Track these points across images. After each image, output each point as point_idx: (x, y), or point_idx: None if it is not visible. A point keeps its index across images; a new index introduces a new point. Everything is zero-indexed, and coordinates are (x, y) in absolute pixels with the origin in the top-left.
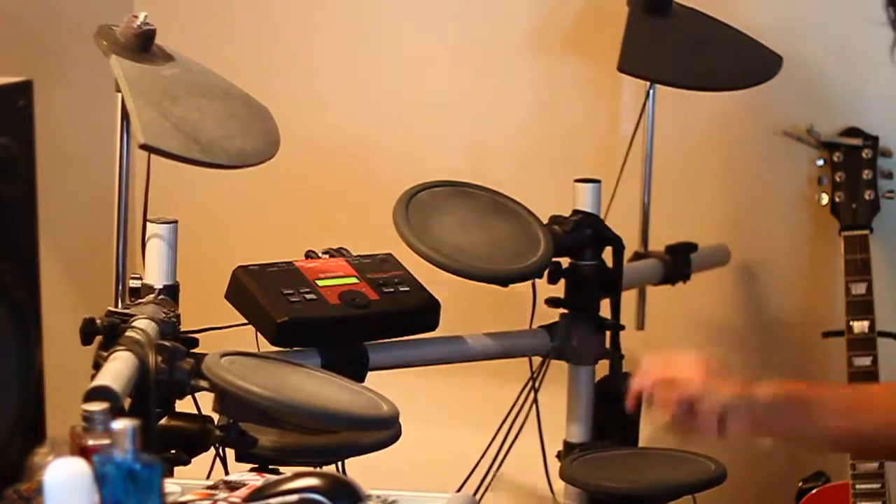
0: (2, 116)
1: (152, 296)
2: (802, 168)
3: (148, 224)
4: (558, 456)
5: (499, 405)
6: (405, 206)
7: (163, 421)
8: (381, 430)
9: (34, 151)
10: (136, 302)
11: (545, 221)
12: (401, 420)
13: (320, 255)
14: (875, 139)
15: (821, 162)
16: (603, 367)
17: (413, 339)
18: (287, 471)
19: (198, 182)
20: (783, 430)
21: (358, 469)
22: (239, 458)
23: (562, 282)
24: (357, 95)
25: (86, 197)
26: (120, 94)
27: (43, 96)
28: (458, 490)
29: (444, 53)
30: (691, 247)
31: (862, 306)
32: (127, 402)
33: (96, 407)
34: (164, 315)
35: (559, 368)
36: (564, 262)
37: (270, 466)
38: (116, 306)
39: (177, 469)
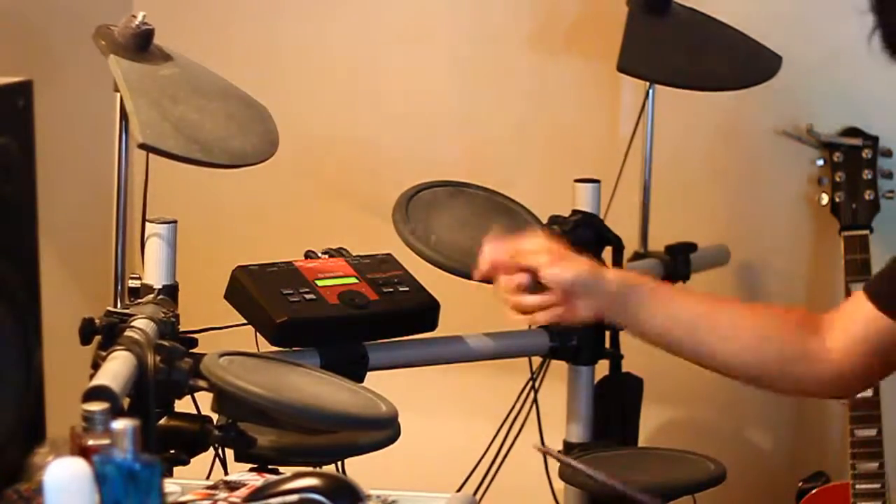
0: (2, 116)
1: (151, 296)
2: (802, 168)
3: (147, 224)
4: None
5: (499, 405)
6: (405, 206)
7: (162, 421)
8: (380, 430)
9: (34, 151)
10: (136, 302)
11: (545, 221)
12: (400, 420)
13: (320, 255)
14: (875, 139)
15: (821, 162)
16: (603, 367)
17: (413, 339)
18: (287, 471)
19: (197, 182)
20: (625, 317)
21: (358, 469)
22: (238, 458)
23: None
24: (357, 95)
25: (86, 197)
26: (119, 94)
27: (43, 96)
28: (458, 490)
29: (444, 53)
30: (691, 247)
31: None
32: (126, 402)
33: (96, 407)
34: (163, 315)
35: (559, 368)
36: None
37: (270, 466)
38: (115, 306)
39: (176, 469)
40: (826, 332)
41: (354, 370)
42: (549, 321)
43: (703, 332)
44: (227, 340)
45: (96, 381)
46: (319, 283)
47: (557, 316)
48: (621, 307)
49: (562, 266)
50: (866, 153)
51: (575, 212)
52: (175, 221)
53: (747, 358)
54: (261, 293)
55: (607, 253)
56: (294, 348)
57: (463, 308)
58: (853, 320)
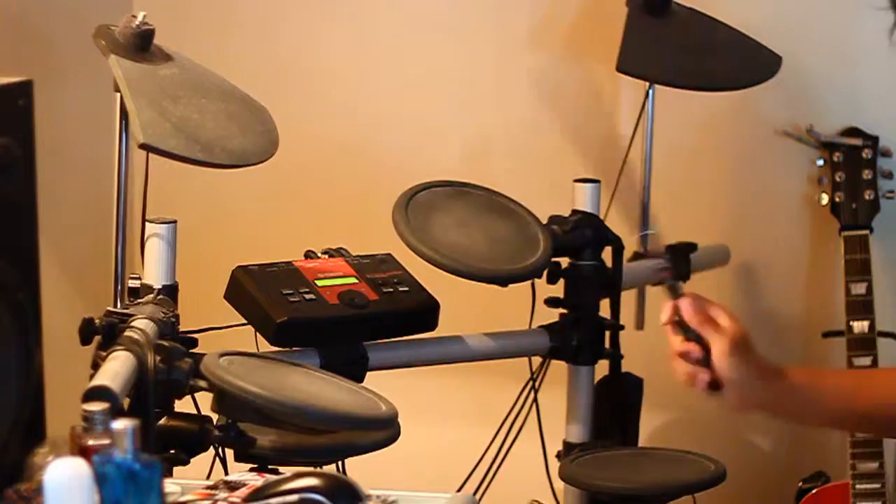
0: (2, 116)
1: (151, 296)
2: (802, 168)
3: (147, 224)
4: (558, 456)
5: (499, 405)
6: (405, 206)
7: (162, 421)
8: (380, 430)
9: (34, 151)
10: (135, 302)
11: (545, 221)
12: (400, 420)
13: (320, 255)
14: (875, 139)
15: (821, 162)
16: (603, 367)
17: (412, 339)
18: (287, 471)
19: (197, 182)
20: (792, 416)
21: (358, 469)
22: (238, 458)
23: (561, 282)
24: (357, 95)
25: (86, 197)
26: (119, 94)
27: (43, 96)
28: (458, 490)
29: (444, 53)
30: (691, 247)
31: (862, 306)
32: (126, 402)
33: (96, 407)
34: (162, 315)
35: (559, 368)
36: (564, 262)
37: (270, 466)
38: (115, 306)
39: (176, 469)
40: None
41: (354, 370)
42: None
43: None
44: (227, 340)
45: (96, 381)
46: (319, 283)
47: (710, 394)
48: (786, 410)
49: (738, 361)
50: (866, 153)
51: (575, 212)
52: (175, 221)
53: None
54: (261, 293)
55: (607, 253)
56: (294, 348)
57: (463, 308)
58: None
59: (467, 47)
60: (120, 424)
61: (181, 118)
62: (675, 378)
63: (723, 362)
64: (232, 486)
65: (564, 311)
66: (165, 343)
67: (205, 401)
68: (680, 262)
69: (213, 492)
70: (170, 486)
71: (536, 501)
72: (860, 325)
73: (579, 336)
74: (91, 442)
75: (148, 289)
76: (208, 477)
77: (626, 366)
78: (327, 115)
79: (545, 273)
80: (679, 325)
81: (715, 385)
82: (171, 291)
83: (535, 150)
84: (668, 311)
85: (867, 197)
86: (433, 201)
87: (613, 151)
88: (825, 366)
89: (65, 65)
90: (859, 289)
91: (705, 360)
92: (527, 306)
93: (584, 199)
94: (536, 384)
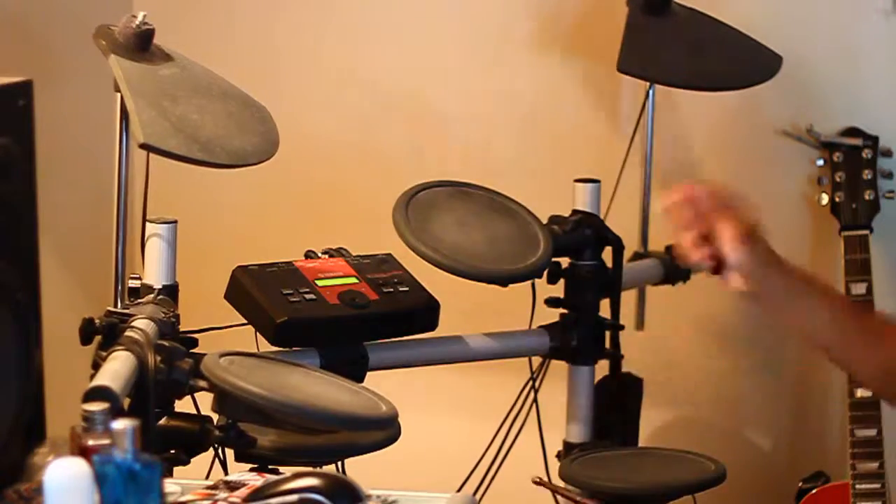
0: (2, 116)
1: (151, 296)
2: (802, 168)
3: (147, 224)
4: (558, 456)
5: (499, 405)
6: (405, 206)
7: (162, 421)
8: (380, 430)
9: (34, 151)
10: (136, 302)
11: (545, 221)
12: (400, 420)
13: (320, 255)
14: (875, 139)
15: (821, 162)
16: (603, 367)
17: (413, 339)
18: (287, 471)
19: (197, 182)
20: (779, 314)
21: (358, 469)
22: (238, 458)
23: (561, 282)
24: (357, 95)
25: (86, 197)
26: (119, 94)
27: (43, 96)
28: (458, 490)
29: (444, 53)
30: None
31: (862, 306)
32: (126, 402)
33: (96, 407)
34: (163, 315)
35: (559, 368)
36: (564, 262)
37: (270, 466)
38: (116, 306)
39: (176, 469)
40: None
41: (354, 370)
42: (704, 266)
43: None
44: (227, 340)
45: (96, 381)
46: (319, 283)
47: (713, 269)
48: (780, 308)
49: (745, 247)
50: (866, 153)
51: (575, 212)
52: (175, 221)
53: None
54: (261, 293)
55: (607, 253)
56: (294, 348)
57: (463, 308)
58: None
59: (468, 47)
60: (120, 424)
61: (181, 118)
62: (676, 378)
63: (733, 247)
64: (232, 486)
65: (564, 311)
66: (166, 343)
67: (205, 401)
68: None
69: (213, 492)
70: (170, 486)
71: (538, 478)
72: None
73: (579, 336)
74: (91, 442)
75: (148, 289)
76: (208, 477)
77: (626, 366)
78: (327, 115)
79: (545, 273)
80: (689, 206)
81: (716, 269)
82: (171, 291)
83: (535, 150)
84: (683, 191)
85: (867, 197)
86: (433, 201)
87: (613, 151)
88: (825, 365)
89: (65, 65)
90: (859, 289)
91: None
92: (527, 306)
93: (584, 199)
94: (536, 384)
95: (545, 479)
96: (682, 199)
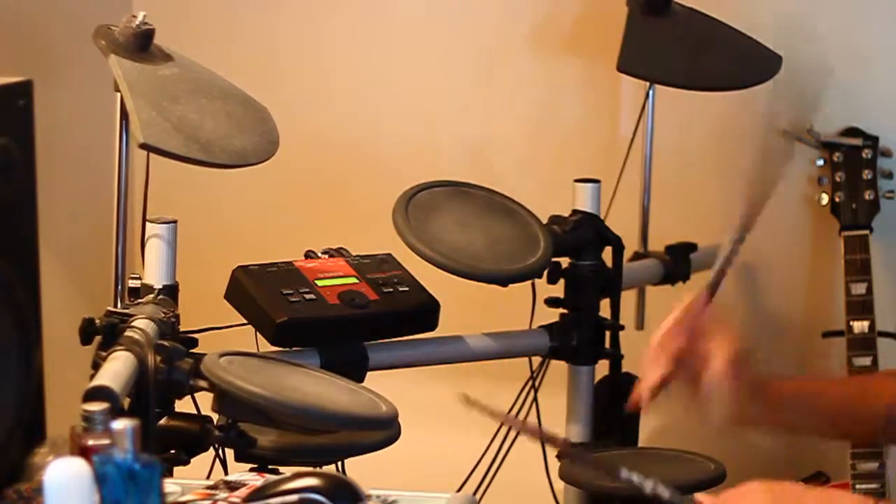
0: (2, 116)
1: (152, 296)
2: (802, 168)
3: (147, 224)
4: (558, 456)
5: (499, 405)
6: (405, 206)
7: (162, 421)
8: (380, 430)
9: (34, 151)
10: (136, 302)
11: (545, 221)
12: (400, 420)
13: (320, 255)
14: (875, 139)
15: (821, 162)
16: (603, 367)
17: (413, 339)
18: (287, 471)
19: (198, 182)
20: (784, 424)
21: (358, 469)
22: (238, 458)
23: (561, 282)
24: (357, 95)
25: (86, 197)
26: (119, 94)
27: (43, 96)
28: (458, 490)
29: (445, 53)
30: (691, 247)
31: (862, 306)
32: (126, 402)
33: (96, 407)
34: (163, 315)
35: (559, 368)
36: (564, 262)
37: (270, 466)
38: (116, 306)
39: (176, 469)
40: None
41: (354, 370)
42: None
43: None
44: (227, 340)
45: (96, 381)
46: (319, 283)
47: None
48: (776, 423)
49: (734, 375)
50: (866, 153)
51: (575, 212)
52: (175, 221)
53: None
54: (261, 293)
55: (607, 253)
56: (294, 348)
57: (463, 308)
58: None
59: (468, 47)
60: (120, 424)
61: (181, 118)
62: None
63: (721, 370)
64: (232, 486)
65: (564, 311)
66: (166, 343)
67: (205, 401)
68: (680, 262)
69: (213, 492)
70: (170, 486)
71: (465, 395)
72: (860, 325)
73: (579, 336)
74: (91, 442)
75: (148, 289)
76: (208, 477)
77: (626, 366)
78: (327, 115)
79: (545, 273)
80: (683, 326)
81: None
82: (171, 291)
83: (535, 150)
84: (685, 307)
85: (867, 197)
86: (433, 201)
87: (613, 151)
88: (826, 366)
89: (65, 65)
90: (859, 289)
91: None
92: (527, 306)
93: (584, 199)
94: (536, 384)
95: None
96: (680, 318)
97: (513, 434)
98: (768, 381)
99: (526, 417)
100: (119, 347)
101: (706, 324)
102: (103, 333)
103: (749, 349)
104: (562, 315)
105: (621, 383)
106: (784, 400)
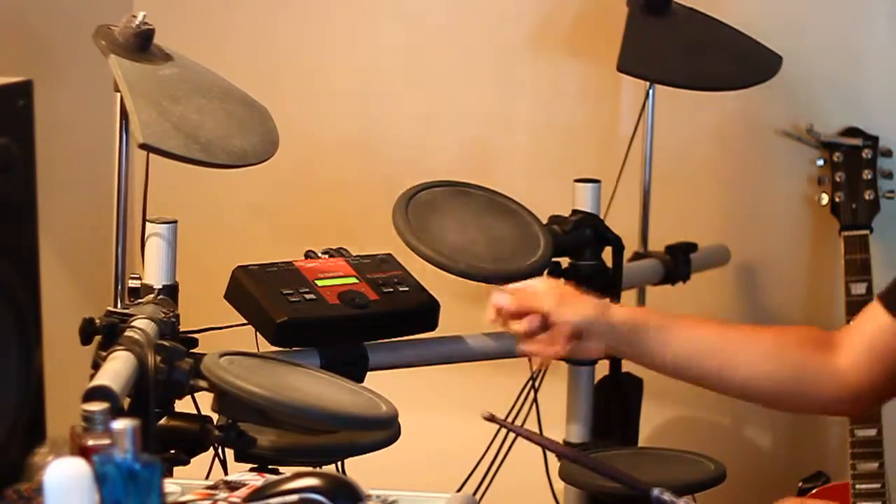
0: (2, 116)
1: (151, 296)
2: (802, 168)
3: (147, 224)
4: (558, 456)
5: (499, 405)
6: (405, 206)
7: (162, 421)
8: (380, 430)
9: (34, 151)
10: (136, 302)
11: (545, 221)
12: (400, 420)
13: (320, 255)
14: (875, 139)
15: (821, 162)
16: (603, 367)
17: (413, 339)
18: (287, 471)
19: (197, 182)
20: (632, 354)
21: (358, 469)
22: (238, 458)
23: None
24: (357, 95)
25: (86, 197)
26: (119, 94)
27: (43, 96)
28: (458, 490)
29: (444, 53)
30: (691, 247)
31: (862, 306)
32: (126, 402)
33: (96, 407)
34: (163, 315)
35: (559, 368)
36: (564, 262)
37: (270, 466)
38: (116, 306)
39: (176, 469)
40: (839, 348)
41: (354, 370)
42: (560, 358)
43: (717, 359)
44: (227, 340)
45: (96, 381)
46: (319, 283)
47: (568, 354)
48: (629, 345)
49: (569, 308)
50: (866, 153)
51: (575, 212)
52: (175, 221)
53: (762, 381)
54: (261, 293)
55: (607, 253)
56: (294, 348)
57: (463, 308)
58: (864, 332)
59: (468, 47)
60: (120, 424)
61: (181, 118)
62: (674, 380)
63: (558, 315)
64: (232, 486)
65: None
66: (166, 343)
67: (205, 401)
68: (680, 262)
69: (213, 492)
70: (170, 486)
71: (489, 413)
72: None
73: None
74: (91, 442)
75: (148, 289)
76: (208, 477)
77: (626, 366)
78: (327, 114)
79: (545, 273)
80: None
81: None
82: (171, 291)
83: (535, 150)
84: (492, 307)
85: (867, 197)
86: (433, 201)
87: (613, 151)
88: None
89: (65, 65)
90: (859, 289)
91: (545, 325)
92: None
93: (584, 199)
94: (536, 384)
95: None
96: (497, 314)
97: (513, 434)
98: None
99: (534, 424)
100: (119, 347)
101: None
102: (103, 333)
103: (562, 284)
104: None
105: (621, 383)
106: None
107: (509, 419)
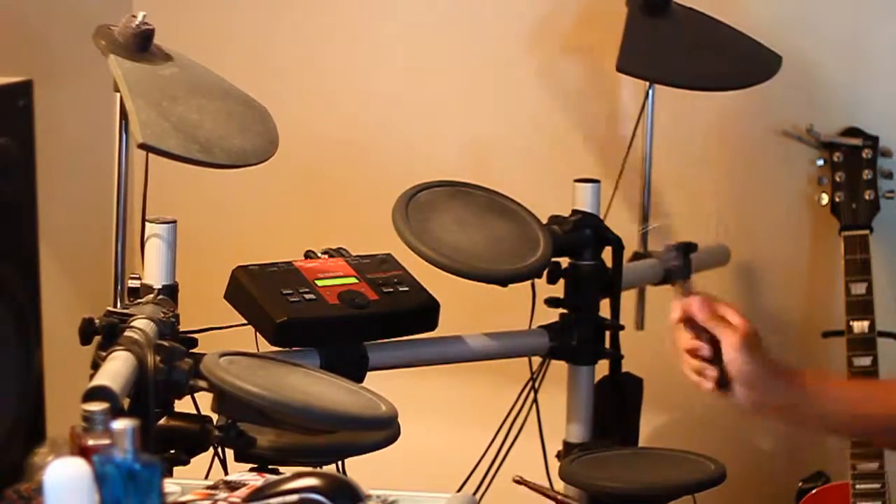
0: (2, 116)
1: (151, 296)
2: (802, 168)
3: (147, 224)
4: (558, 456)
5: (499, 405)
6: (405, 206)
7: (162, 421)
8: (380, 430)
9: (34, 151)
10: (135, 302)
11: (545, 221)
12: (400, 420)
13: (320, 255)
14: (875, 139)
15: (821, 162)
16: (603, 367)
17: (413, 339)
18: (287, 471)
19: (197, 182)
20: (802, 420)
21: (358, 469)
22: (238, 458)
23: (561, 282)
24: (357, 96)
25: (86, 197)
26: (119, 94)
27: (43, 96)
28: (459, 490)
29: (444, 53)
30: (691, 247)
31: (862, 306)
32: (126, 402)
33: (96, 407)
34: (162, 315)
35: (559, 368)
36: (564, 262)
37: (270, 466)
38: (115, 306)
39: (176, 469)
40: None
41: (354, 370)
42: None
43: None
44: (227, 340)
45: (96, 381)
46: (319, 283)
47: (720, 393)
48: (795, 412)
49: (749, 357)
50: (866, 153)
51: (575, 212)
52: (175, 221)
53: None
54: (261, 293)
55: (607, 253)
56: (294, 348)
57: (463, 308)
58: None
59: (467, 47)
60: (120, 424)
61: (180, 118)
62: (676, 378)
63: (734, 357)
64: (232, 486)
65: (564, 311)
66: (165, 343)
67: (205, 401)
68: (680, 262)
69: (213, 492)
70: (170, 486)
71: (519, 477)
72: (860, 325)
73: (579, 336)
74: (91, 442)
75: (148, 289)
76: (208, 477)
77: (626, 366)
78: (327, 115)
79: (545, 273)
80: (689, 323)
81: (723, 383)
82: (171, 291)
83: (535, 150)
84: (679, 308)
85: (867, 197)
86: (433, 201)
87: (613, 151)
88: (825, 366)
89: (65, 65)
90: (859, 289)
91: (715, 359)
92: (527, 306)
93: (584, 199)
94: (536, 384)
95: (527, 479)
96: (679, 317)
97: (513, 434)
98: (786, 365)
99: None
100: (119, 347)
101: (707, 316)
102: (103, 333)
103: (757, 332)
104: (562, 315)
105: (621, 383)
106: (804, 387)
107: (509, 419)
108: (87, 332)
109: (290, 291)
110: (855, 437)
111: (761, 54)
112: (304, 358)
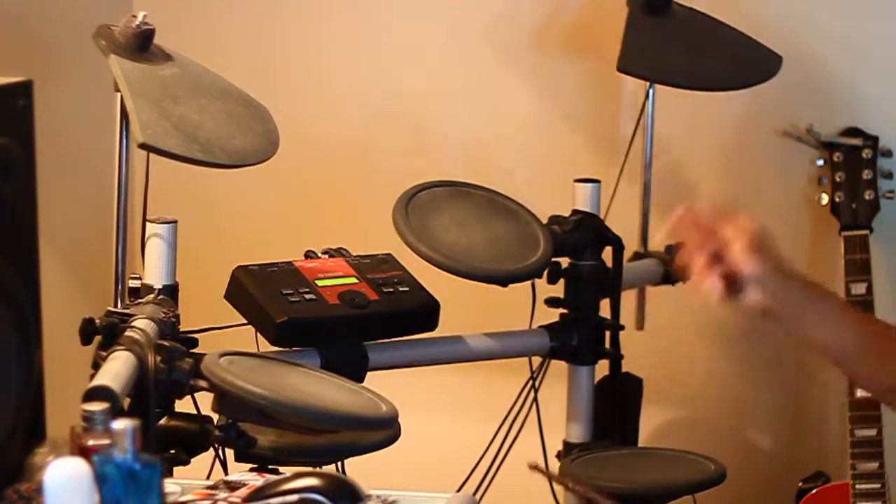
0: (2, 116)
1: (152, 296)
2: (802, 168)
3: (147, 224)
4: (558, 456)
5: (499, 405)
6: (405, 206)
7: (162, 421)
8: (381, 430)
9: (34, 151)
10: (136, 302)
11: (545, 221)
12: (400, 420)
13: (320, 255)
14: (875, 139)
15: (821, 162)
16: (603, 367)
17: (413, 339)
18: (287, 471)
19: (198, 182)
20: (798, 326)
21: (358, 469)
22: (238, 458)
23: (561, 282)
24: (357, 96)
25: (86, 197)
26: (119, 94)
27: (43, 96)
28: (458, 490)
29: (445, 53)
30: None
31: (862, 306)
32: (126, 402)
33: (96, 407)
34: (163, 315)
35: (559, 368)
36: (564, 262)
37: (270, 466)
38: (116, 306)
39: (176, 469)
40: None
41: (355, 370)
42: (715, 294)
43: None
44: (227, 340)
45: (96, 381)
46: (319, 283)
47: (724, 294)
48: (799, 317)
49: (758, 256)
50: (866, 153)
51: (575, 212)
52: (175, 221)
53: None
54: (261, 293)
55: (607, 253)
56: (294, 348)
57: (463, 308)
58: None
59: (467, 47)
60: (120, 424)
61: (181, 118)
62: (676, 378)
63: (745, 257)
64: (232, 486)
65: (564, 311)
66: (166, 343)
67: (205, 401)
68: None
69: (213, 492)
70: (170, 486)
71: (535, 463)
72: None
73: (579, 336)
74: (91, 442)
75: (148, 289)
76: (208, 477)
77: (626, 366)
78: (327, 115)
79: (545, 273)
80: (697, 229)
81: (733, 290)
82: (171, 291)
83: (535, 150)
84: (687, 211)
85: (867, 197)
86: (433, 201)
87: (613, 151)
88: (825, 365)
89: (65, 65)
90: (859, 289)
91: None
92: (527, 306)
93: (584, 199)
94: (536, 384)
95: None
96: (684, 216)
97: (513, 434)
98: (798, 270)
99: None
100: (119, 347)
101: (714, 217)
102: (103, 333)
103: (768, 232)
104: (562, 315)
105: (621, 383)
106: (812, 285)
107: (509, 419)
108: (87, 332)
109: (291, 291)
110: (850, 363)
111: (761, 54)
112: (305, 358)
